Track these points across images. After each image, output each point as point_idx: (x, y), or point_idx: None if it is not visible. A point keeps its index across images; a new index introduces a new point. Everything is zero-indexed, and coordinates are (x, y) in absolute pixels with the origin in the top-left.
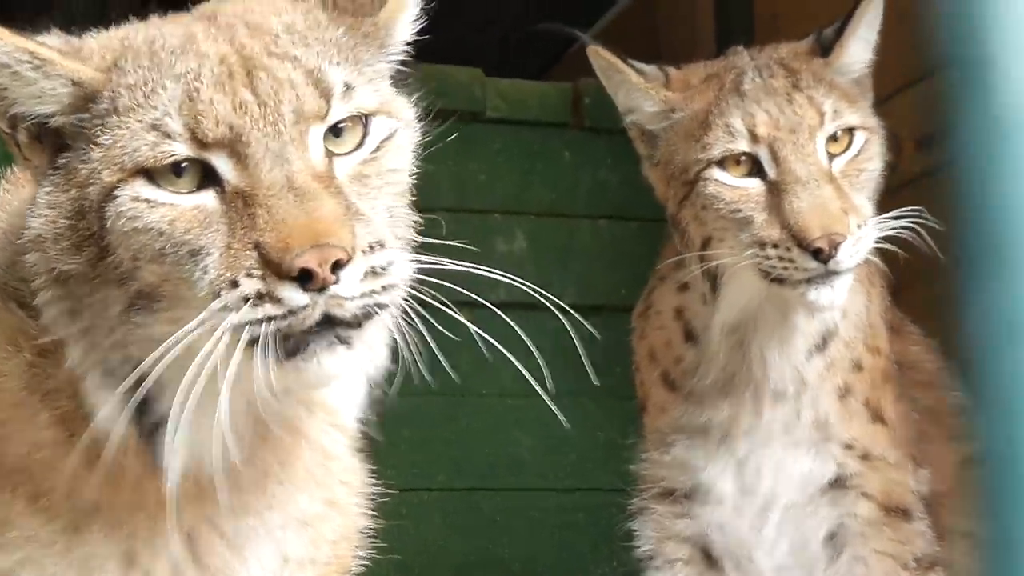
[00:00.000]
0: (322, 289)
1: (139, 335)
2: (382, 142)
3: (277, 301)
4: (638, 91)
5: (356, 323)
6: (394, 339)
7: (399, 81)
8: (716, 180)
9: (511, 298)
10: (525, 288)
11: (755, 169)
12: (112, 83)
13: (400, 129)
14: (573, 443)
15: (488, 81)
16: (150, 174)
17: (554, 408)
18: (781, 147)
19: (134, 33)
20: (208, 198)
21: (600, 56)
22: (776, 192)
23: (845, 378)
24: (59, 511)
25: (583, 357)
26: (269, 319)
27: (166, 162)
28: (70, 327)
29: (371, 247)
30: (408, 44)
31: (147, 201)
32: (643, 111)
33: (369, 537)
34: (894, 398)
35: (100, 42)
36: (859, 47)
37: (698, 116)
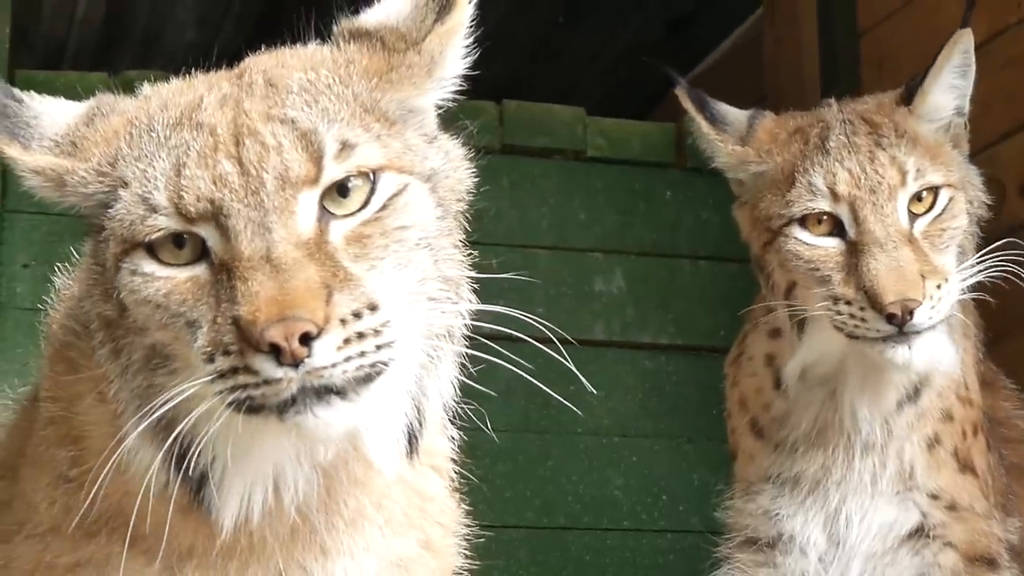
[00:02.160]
0: (296, 364)
1: (162, 394)
2: (389, 199)
3: (253, 372)
4: (708, 141)
5: (352, 388)
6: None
7: (446, 121)
8: (796, 238)
9: (608, 337)
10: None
11: (836, 229)
12: (100, 163)
13: (411, 184)
14: (666, 484)
15: (590, 120)
16: (151, 246)
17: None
18: (861, 207)
19: (148, 101)
20: (201, 270)
21: (682, 99)
22: (854, 252)
23: (935, 428)
24: (156, 554)
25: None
26: (242, 387)
27: (154, 236)
28: (111, 365)
29: (356, 314)
30: (460, 79)
31: (143, 275)
32: (717, 159)
33: None
34: (985, 448)
35: (109, 124)
36: (944, 93)
37: (784, 169)
